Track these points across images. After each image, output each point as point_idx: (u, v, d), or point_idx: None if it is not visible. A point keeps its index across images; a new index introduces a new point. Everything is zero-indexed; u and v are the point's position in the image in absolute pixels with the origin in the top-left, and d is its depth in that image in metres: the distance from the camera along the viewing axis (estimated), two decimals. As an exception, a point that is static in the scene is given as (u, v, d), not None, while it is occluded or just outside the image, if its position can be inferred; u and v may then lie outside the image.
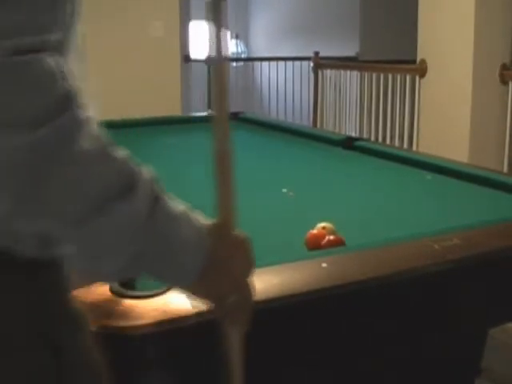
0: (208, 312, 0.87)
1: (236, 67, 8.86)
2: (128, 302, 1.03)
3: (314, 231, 1.44)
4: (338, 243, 1.37)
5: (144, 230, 0.69)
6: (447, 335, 1.39)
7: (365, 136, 5.03)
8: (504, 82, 3.94)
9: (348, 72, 5.46)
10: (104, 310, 1.02)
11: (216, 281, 0.80)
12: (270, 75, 7.85)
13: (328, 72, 5.68)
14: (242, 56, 9.74)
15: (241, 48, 9.75)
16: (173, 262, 0.74)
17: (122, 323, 0.98)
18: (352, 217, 1.77)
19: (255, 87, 8.57)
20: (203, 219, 0.79)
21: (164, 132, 3.37)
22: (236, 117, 3.69)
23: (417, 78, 4.34)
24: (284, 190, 1.98)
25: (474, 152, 3.86)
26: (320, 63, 5.72)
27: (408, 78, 4.51)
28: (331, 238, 1.40)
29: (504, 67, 3.94)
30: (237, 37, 9.74)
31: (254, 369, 1.13)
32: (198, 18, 8.99)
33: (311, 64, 5.84)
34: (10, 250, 0.69)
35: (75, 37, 0.73)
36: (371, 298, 1.20)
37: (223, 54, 0.81)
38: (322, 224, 1.47)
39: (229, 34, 9.90)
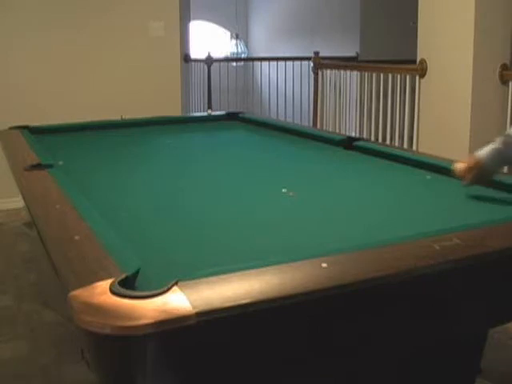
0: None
1: (236, 67, 8.86)
2: (128, 302, 1.03)
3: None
4: None
5: None
6: (447, 335, 1.39)
7: (365, 136, 5.03)
8: (504, 82, 3.94)
9: (348, 72, 5.46)
10: (104, 310, 1.02)
11: None
12: (269, 75, 7.85)
13: (328, 72, 5.68)
14: (242, 56, 9.74)
15: (241, 48, 9.75)
16: None
17: (122, 323, 0.98)
18: (352, 217, 1.77)
19: (255, 87, 8.57)
20: None
21: (164, 132, 3.37)
22: (236, 117, 3.69)
23: (417, 78, 4.33)
24: (284, 190, 1.98)
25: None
26: (320, 63, 5.72)
27: (408, 78, 4.51)
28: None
29: (504, 67, 3.94)
30: (237, 37, 9.75)
31: (254, 368, 1.13)
32: (198, 18, 9.01)
33: (311, 64, 5.84)
34: None
35: None
36: (371, 298, 1.20)
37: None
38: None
39: (229, 34, 9.92)
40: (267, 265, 1.19)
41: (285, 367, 1.16)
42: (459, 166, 1.93)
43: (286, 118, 6.96)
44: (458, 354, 1.54)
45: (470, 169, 1.91)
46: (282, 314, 1.10)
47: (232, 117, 3.71)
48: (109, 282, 1.10)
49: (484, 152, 1.92)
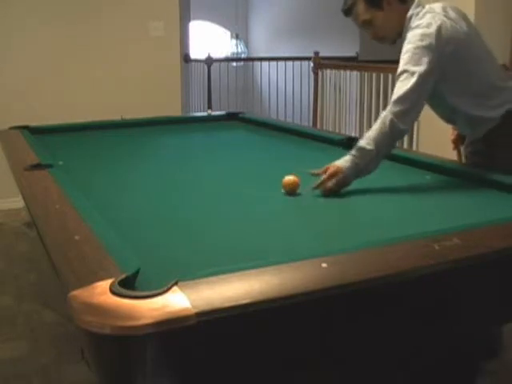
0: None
1: (236, 67, 8.86)
2: (128, 302, 1.03)
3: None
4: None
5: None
6: (448, 335, 1.39)
7: (365, 136, 5.02)
8: (504, 82, 3.94)
9: (348, 72, 5.46)
10: (104, 310, 1.02)
11: None
12: (270, 75, 7.85)
13: (328, 72, 5.68)
14: (242, 56, 9.74)
15: (241, 48, 9.75)
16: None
17: (122, 323, 0.98)
18: (352, 217, 1.77)
19: (255, 87, 8.57)
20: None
21: (164, 132, 3.37)
22: (236, 117, 3.69)
23: (417, 78, 4.33)
24: (283, 190, 1.98)
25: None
26: (320, 63, 5.72)
27: (408, 78, 4.51)
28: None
29: (504, 67, 3.94)
30: (237, 37, 9.74)
31: (254, 368, 1.13)
32: (198, 18, 9.01)
33: (311, 64, 5.84)
34: None
35: None
36: (371, 298, 1.20)
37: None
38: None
39: (229, 34, 9.91)
40: (267, 265, 1.19)
41: (285, 367, 1.16)
42: (287, 179, 1.95)
43: (286, 118, 6.96)
44: (457, 354, 1.54)
45: (330, 176, 1.97)
46: (281, 314, 1.10)
47: (232, 117, 3.71)
48: (109, 282, 1.10)
49: (343, 162, 2.00)
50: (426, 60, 1.98)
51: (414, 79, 1.98)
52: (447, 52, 2.03)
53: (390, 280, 1.20)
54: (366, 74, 5.21)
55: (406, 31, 2.10)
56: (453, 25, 2.07)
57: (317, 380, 1.22)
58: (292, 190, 1.94)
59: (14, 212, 4.50)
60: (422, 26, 2.04)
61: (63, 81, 4.83)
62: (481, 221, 1.50)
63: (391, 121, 1.97)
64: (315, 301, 1.12)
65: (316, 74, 5.77)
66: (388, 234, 1.47)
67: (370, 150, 1.97)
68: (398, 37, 2.18)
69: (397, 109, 1.98)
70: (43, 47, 4.76)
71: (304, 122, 6.88)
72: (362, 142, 2.00)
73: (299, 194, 1.94)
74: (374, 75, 5.02)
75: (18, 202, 3.93)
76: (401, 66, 2.03)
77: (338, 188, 1.97)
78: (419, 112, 2.06)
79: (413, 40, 2.03)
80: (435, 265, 1.25)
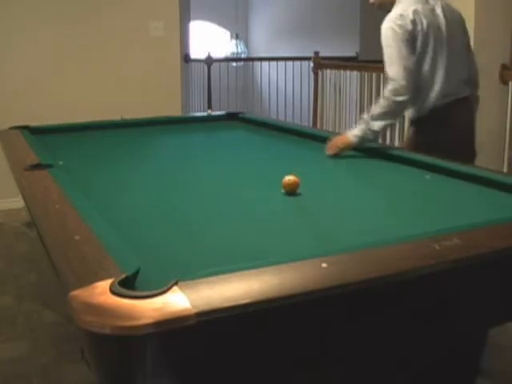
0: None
1: (236, 67, 8.86)
2: (128, 302, 1.03)
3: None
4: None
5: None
6: (448, 335, 1.39)
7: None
8: (504, 82, 3.94)
9: (348, 72, 5.46)
10: (104, 310, 1.02)
11: None
12: (270, 75, 7.85)
13: (328, 72, 5.68)
14: (242, 56, 9.74)
15: (241, 48, 9.75)
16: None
17: (122, 323, 0.98)
18: (352, 217, 1.77)
19: (255, 87, 8.57)
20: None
21: (164, 132, 3.37)
22: (236, 117, 3.69)
23: (417, 78, 4.33)
24: (284, 191, 1.98)
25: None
26: (320, 63, 5.72)
27: (408, 78, 4.51)
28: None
29: (504, 67, 3.94)
30: (237, 37, 9.75)
31: (253, 368, 1.13)
32: (198, 18, 9.01)
33: (311, 64, 5.84)
34: None
35: None
36: (371, 298, 1.20)
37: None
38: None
39: (229, 34, 9.91)
40: (267, 265, 1.19)
41: (285, 367, 1.16)
42: (287, 179, 1.94)
43: (286, 118, 6.95)
44: (457, 354, 1.54)
45: (337, 140, 2.56)
46: (281, 314, 1.10)
47: (232, 117, 3.71)
48: (109, 282, 1.10)
49: (353, 132, 2.56)
50: (403, 37, 2.47)
51: (397, 50, 2.45)
52: (418, 33, 2.49)
53: (390, 280, 1.20)
54: (365, 74, 5.20)
55: (394, 7, 2.57)
56: (429, 15, 2.52)
57: (317, 380, 1.22)
58: (292, 190, 1.94)
59: (14, 212, 4.50)
60: (402, 8, 2.52)
61: (63, 81, 4.82)
62: (481, 221, 1.50)
63: (387, 98, 2.48)
64: (315, 301, 1.12)
65: (316, 74, 5.77)
66: (388, 234, 1.47)
67: (364, 118, 2.53)
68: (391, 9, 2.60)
69: (390, 87, 2.47)
70: (43, 47, 4.76)
71: (304, 122, 6.87)
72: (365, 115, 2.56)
73: (299, 194, 1.94)
74: (374, 75, 5.01)
75: (18, 202, 3.93)
76: (384, 40, 2.52)
77: (343, 147, 2.53)
78: (413, 77, 2.46)
79: (393, 18, 2.51)
80: (435, 265, 1.25)
